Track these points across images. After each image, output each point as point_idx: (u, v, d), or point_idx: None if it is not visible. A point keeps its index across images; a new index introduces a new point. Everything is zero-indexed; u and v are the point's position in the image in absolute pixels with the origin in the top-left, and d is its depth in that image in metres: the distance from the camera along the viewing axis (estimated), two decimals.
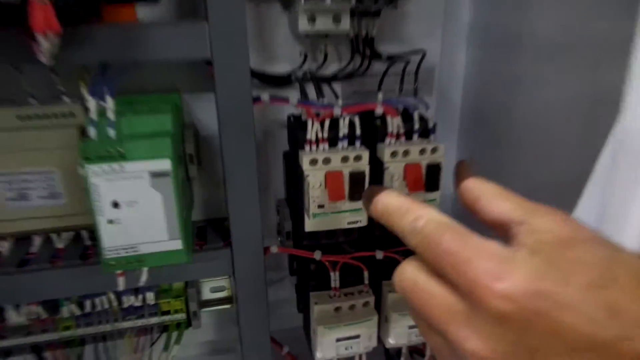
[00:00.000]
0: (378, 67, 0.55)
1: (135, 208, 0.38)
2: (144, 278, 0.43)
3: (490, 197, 0.24)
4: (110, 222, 0.38)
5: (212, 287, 0.63)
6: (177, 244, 0.40)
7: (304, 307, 0.57)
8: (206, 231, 0.56)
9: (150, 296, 0.55)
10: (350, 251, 0.52)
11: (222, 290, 0.63)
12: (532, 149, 0.51)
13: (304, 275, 0.54)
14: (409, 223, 0.23)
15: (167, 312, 0.57)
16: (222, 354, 0.67)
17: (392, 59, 0.53)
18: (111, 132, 0.37)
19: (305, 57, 0.52)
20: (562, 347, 0.18)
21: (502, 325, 0.19)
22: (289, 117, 0.52)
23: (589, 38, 0.41)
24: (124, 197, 0.37)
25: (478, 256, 0.20)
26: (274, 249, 0.52)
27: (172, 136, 0.38)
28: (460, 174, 0.28)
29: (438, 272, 0.21)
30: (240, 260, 0.52)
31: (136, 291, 0.54)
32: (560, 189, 0.40)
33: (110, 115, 0.37)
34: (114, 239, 0.38)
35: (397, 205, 0.25)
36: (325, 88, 0.53)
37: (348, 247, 0.54)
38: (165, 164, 0.37)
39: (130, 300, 0.54)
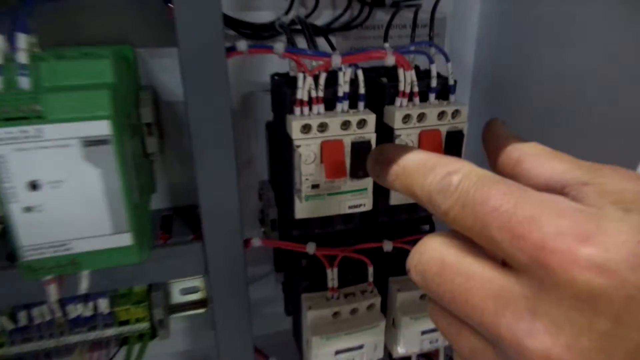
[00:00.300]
0: (380, 16, 0.45)
1: (61, 190, 0.27)
2: (84, 285, 0.33)
3: (536, 157, 0.19)
4: (28, 210, 0.27)
5: (183, 289, 0.53)
6: (125, 239, 0.30)
7: (293, 310, 0.47)
8: (172, 221, 0.45)
9: (103, 303, 0.44)
10: (349, 242, 0.42)
11: (195, 292, 0.53)
12: (559, 120, 0.42)
13: (293, 272, 0.44)
14: (438, 180, 0.17)
15: (126, 322, 0.46)
16: None
17: (397, 5, 0.43)
18: (23, 82, 0.26)
19: (292, 1, 0.41)
20: None
21: (588, 310, 0.13)
22: (272, 77, 0.41)
23: None
24: (44, 174, 0.27)
25: (546, 213, 0.14)
26: (257, 242, 0.41)
27: (114, 89, 0.27)
28: (491, 134, 0.24)
29: (482, 245, 0.16)
30: (215, 257, 0.42)
31: (86, 298, 0.44)
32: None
33: (23, 58, 0.26)
34: (35, 234, 0.28)
35: (420, 162, 0.19)
36: (320, 41, 0.43)
37: (347, 237, 0.44)
38: (103, 127, 0.27)
39: (77, 310, 0.44)
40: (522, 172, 0.19)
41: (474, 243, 0.17)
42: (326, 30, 0.44)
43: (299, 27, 0.40)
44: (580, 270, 0.13)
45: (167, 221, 0.45)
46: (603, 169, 0.17)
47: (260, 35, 0.42)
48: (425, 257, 0.17)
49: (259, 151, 0.49)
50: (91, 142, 0.27)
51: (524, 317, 0.14)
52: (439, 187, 0.17)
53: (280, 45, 0.34)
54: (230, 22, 0.40)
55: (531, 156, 0.19)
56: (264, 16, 0.43)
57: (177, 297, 0.53)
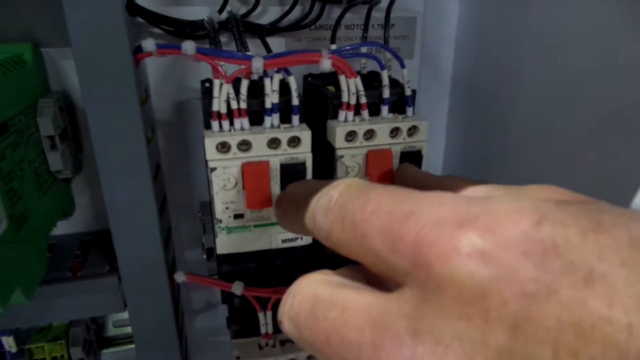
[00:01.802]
0: (337, 14, 0.39)
1: None
2: None
3: (454, 185, 0.16)
4: None
5: (115, 321, 0.47)
6: None
7: None
8: (91, 248, 0.39)
9: (8, 341, 0.38)
10: (291, 279, 0.36)
11: (128, 325, 0.47)
12: (542, 129, 0.35)
13: (228, 313, 0.37)
14: (318, 199, 0.16)
15: None
16: None
17: (353, 1, 0.37)
18: None
19: None
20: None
21: (478, 318, 0.10)
22: (202, 83, 0.35)
23: None
24: None
25: (425, 204, 0.12)
26: (180, 277, 0.35)
27: None
28: (403, 175, 0.25)
29: (368, 265, 0.14)
30: (134, 292, 0.36)
31: None
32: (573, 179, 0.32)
33: None
34: None
35: (308, 189, 0.17)
36: (257, 43, 0.37)
37: (288, 272, 0.38)
38: None
39: None
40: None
41: (359, 277, 0.15)
42: (271, 30, 0.38)
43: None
44: (460, 260, 0.11)
45: (86, 247, 0.39)
46: (530, 186, 0.14)
47: (189, 34, 0.36)
48: (298, 298, 0.15)
49: (201, 168, 0.43)
50: None
51: (404, 342, 0.11)
52: (320, 205, 0.16)
53: (189, 44, 0.28)
54: (152, 17, 0.34)
55: (449, 186, 0.16)
56: (197, 12, 0.37)
57: (112, 330, 0.47)
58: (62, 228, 0.41)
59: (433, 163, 0.51)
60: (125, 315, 0.47)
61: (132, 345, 0.47)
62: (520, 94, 0.38)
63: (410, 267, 0.12)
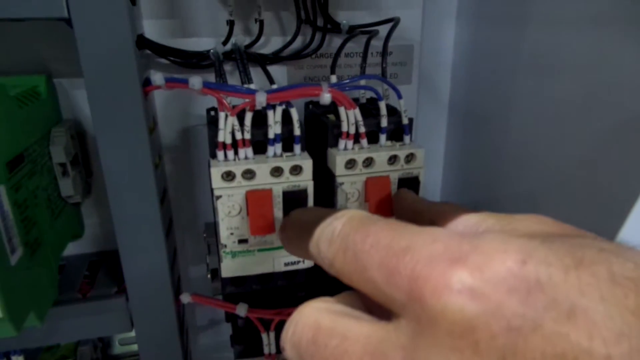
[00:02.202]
0: (337, 43, 0.40)
1: None
2: None
3: (448, 213, 0.18)
4: None
5: (121, 339, 0.48)
6: None
7: None
8: (99, 269, 0.41)
9: None
10: (295, 301, 0.37)
11: (135, 343, 0.48)
12: (536, 153, 0.36)
13: (232, 332, 0.38)
14: (322, 229, 0.17)
15: None
16: None
17: (353, 31, 0.38)
18: None
19: (232, 26, 0.36)
20: None
21: (469, 350, 0.11)
22: (208, 111, 0.37)
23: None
24: None
25: (421, 240, 0.13)
26: (185, 299, 0.37)
27: None
28: (400, 201, 0.26)
29: (368, 295, 0.14)
30: (141, 313, 0.37)
31: None
32: (569, 203, 0.33)
33: None
34: None
35: (312, 218, 0.18)
36: (259, 71, 0.38)
37: (291, 294, 0.39)
38: None
39: None
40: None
41: (358, 304, 0.16)
42: (274, 59, 0.39)
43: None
44: (451, 297, 0.11)
45: (94, 269, 0.40)
46: (518, 216, 0.15)
47: (195, 64, 0.38)
48: (300, 326, 0.15)
49: (206, 191, 0.44)
50: None
51: None
52: (324, 236, 0.16)
53: (196, 79, 0.29)
54: (160, 50, 0.36)
55: (442, 213, 0.18)
56: (203, 43, 0.38)
57: (118, 348, 0.49)
58: (70, 249, 0.42)
59: (432, 183, 0.52)
60: (131, 333, 0.48)
61: None
62: (514, 116, 0.39)
63: (406, 300, 0.13)
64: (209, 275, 0.43)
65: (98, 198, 0.42)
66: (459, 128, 0.48)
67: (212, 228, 0.43)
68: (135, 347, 0.48)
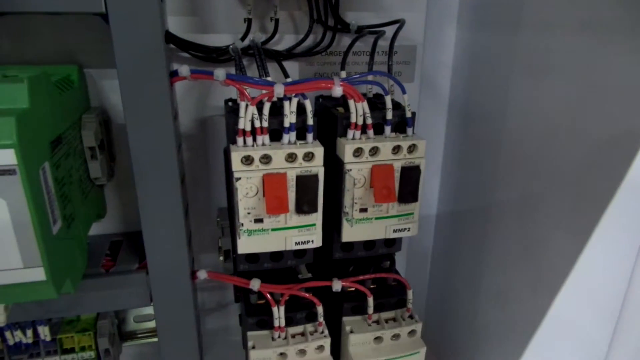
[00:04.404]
0: (346, 42, 0.43)
1: None
2: (0, 318, 0.31)
3: None
4: None
5: (136, 316, 0.51)
6: (38, 274, 0.28)
7: (245, 346, 0.45)
8: (120, 248, 0.44)
9: (44, 330, 0.42)
10: (304, 278, 0.40)
11: (149, 320, 0.51)
12: (531, 152, 0.39)
13: (243, 308, 0.41)
14: None
15: (72, 350, 0.44)
16: None
17: (361, 31, 0.41)
18: None
19: (250, 23, 0.39)
20: None
21: None
22: (226, 102, 0.40)
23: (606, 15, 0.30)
24: None
25: None
26: (202, 275, 0.39)
27: (24, 115, 0.26)
28: None
29: None
30: (160, 288, 0.40)
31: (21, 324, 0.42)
32: (563, 199, 0.35)
33: None
34: None
35: None
36: (274, 66, 0.41)
37: (303, 270, 0.42)
38: (8, 156, 0.25)
39: (18, 336, 0.42)
40: None
41: None
42: (287, 56, 0.42)
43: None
44: None
45: (116, 247, 0.43)
46: None
47: (215, 59, 0.41)
48: None
49: (220, 177, 0.47)
50: None
51: None
52: None
53: (220, 71, 0.32)
54: (183, 44, 0.39)
55: None
56: (222, 39, 0.41)
57: (132, 325, 0.51)
58: (92, 229, 0.45)
59: (431, 175, 0.56)
60: (145, 310, 0.51)
61: (151, 339, 0.51)
62: (511, 114, 0.42)
63: None
64: (221, 257, 0.46)
65: (119, 182, 0.45)
66: (458, 124, 0.51)
67: (226, 213, 0.46)
68: (149, 324, 0.51)
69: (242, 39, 0.40)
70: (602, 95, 0.32)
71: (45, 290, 0.29)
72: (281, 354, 0.38)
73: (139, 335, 0.51)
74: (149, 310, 0.50)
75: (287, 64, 0.43)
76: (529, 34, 0.39)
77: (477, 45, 0.47)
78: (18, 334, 0.41)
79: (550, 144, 0.38)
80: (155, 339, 0.51)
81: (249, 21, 0.40)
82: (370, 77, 0.35)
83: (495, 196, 0.46)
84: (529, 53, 0.40)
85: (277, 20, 0.40)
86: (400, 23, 0.40)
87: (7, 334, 0.41)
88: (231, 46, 0.38)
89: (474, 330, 0.51)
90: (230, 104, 0.39)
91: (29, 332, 0.42)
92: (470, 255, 0.51)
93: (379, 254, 0.41)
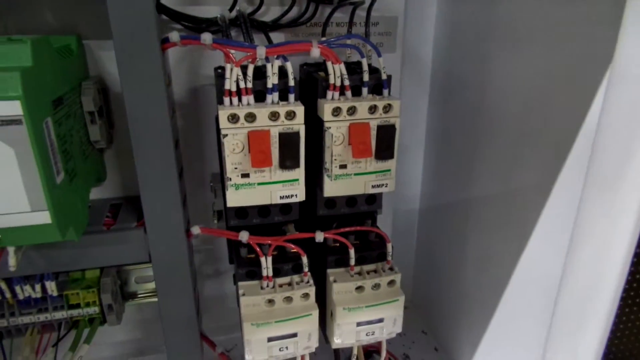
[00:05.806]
0: (328, 12, 0.46)
1: None
2: (11, 261, 0.34)
3: None
4: None
5: (138, 277, 0.54)
6: (44, 217, 0.31)
7: (238, 303, 0.48)
8: (120, 209, 0.47)
9: (51, 286, 0.45)
10: (289, 232, 0.43)
11: (149, 281, 0.54)
12: (510, 122, 0.42)
13: (234, 262, 0.44)
14: None
15: (77, 306, 0.48)
16: (149, 354, 0.58)
17: (341, 2, 0.44)
18: None
19: None
20: None
21: None
22: (216, 69, 0.42)
23: None
24: None
25: None
26: (196, 230, 0.42)
27: (29, 72, 0.29)
28: None
29: None
30: (157, 244, 0.43)
31: (32, 279, 0.45)
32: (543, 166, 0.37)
33: None
34: None
35: None
36: (261, 37, 0.44)
37: (291, 229, 0.45)
38: (15, 107, 0.28)
39: (27, 291, 0.45)
40: None
41: None
42: (273, 27, 0.45)
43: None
44: None
45: (115, 209, 0.46)
46: None
47: (204, 29, 0.43)
48: None
49: (212, 144, 0.50)
50: (3, 122, 0.28)
51: None
52: None
53: (207, 35, 0.35)
54: (174, 15, 0.42)
55: None
56: (211, 11, 0.44)
57: (134, 286, 0.55)
58: (94, 194, 0.48)
59: (416, 142, 0.58)
60: (145, 272, 0.54)
61: (151, 299, 0.54)
62: (490, 82, 0.45)
63: None
64: (214, 220, 0.49)
65: (118, 149, 0.48)
66: (440, 91, 0.54)
67: (218, 177, 0.49)
68: (149, 285, 0.55)
69: (230, 9, 0.43)
70: (578, 65, 0.33)
71: (51, 233, 0.32)
72: (269, 300, 0.41)
73: (140, 296, 0.54)
74: (149, 272, 0.54)
75: (273, 36, 0.46)
76: (510, 4, 0.41)
77: (457, 15, 0.49)
78: (27, 288, 0.44)
79: (529, 114, 0.40)
80: (156, 299, 0.54)
81: None
82: (347, 41, 0.38)
83: (477, 157, 0.48)
84: (508, 19, 0.42)
85: None
86: None
87: (17, 289, 0.44)
88: (219, 15, 0.41)
89: (458, 292, 0.54)
90: (219, 70, 0.42)
91: (38, 287, 0.45)
92: (455, 221, 0.53)
93: (360, 211, 0.44)
